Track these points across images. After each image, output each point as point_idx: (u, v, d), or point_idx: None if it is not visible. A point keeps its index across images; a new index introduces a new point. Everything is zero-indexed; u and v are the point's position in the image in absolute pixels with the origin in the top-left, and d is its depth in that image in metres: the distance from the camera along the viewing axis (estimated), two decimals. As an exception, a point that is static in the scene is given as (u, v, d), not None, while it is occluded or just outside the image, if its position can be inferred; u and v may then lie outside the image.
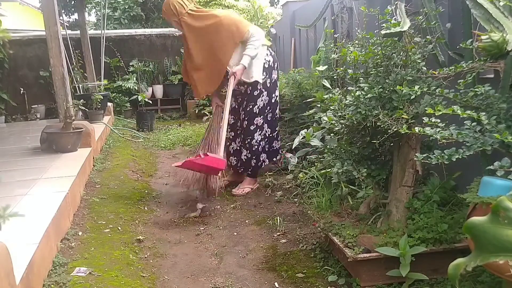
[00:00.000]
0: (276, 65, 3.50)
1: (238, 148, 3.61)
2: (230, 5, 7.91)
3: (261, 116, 3.46)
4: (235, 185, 3.61)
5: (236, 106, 3.54)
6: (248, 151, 3.51)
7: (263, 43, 3.32)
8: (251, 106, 3.42)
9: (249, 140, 3.48)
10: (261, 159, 3.54)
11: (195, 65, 3.41)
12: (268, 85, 3.42)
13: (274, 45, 7.58)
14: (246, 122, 3.46)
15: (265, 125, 3.50)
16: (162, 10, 3.42)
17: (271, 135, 3.56)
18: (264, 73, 3.36)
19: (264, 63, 3.37)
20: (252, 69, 3.30)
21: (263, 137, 3.50)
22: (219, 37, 3.26)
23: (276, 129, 3.61)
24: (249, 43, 3.22)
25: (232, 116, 3.56)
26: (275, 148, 3.61)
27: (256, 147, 3.48)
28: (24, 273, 1.69)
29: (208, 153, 3.19)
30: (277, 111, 3.59)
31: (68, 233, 2.51)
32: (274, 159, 3.64)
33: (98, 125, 5.35)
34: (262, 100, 3.42)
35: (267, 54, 3.41)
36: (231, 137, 3.62)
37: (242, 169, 3.61)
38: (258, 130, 3.46)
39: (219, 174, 3.24)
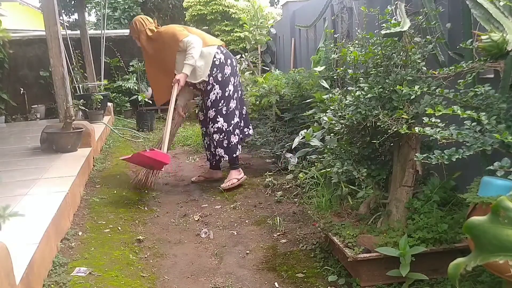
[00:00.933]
0: (229, 61, 3.68)
1: (208, 142, 3.81)
2: (230, 5, 7.90)
3: (213, 109, 3.62)
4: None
5: (203, 104, 3.79)
6: (208, 139, 3.79)
7: (200, 49, 3.56)
8: (206, 100, 3.67)
9: (205, 129, 3.82)
10: (217, 153, 3.65)
11: (150, 77, 3.92)
12: (220, 79, 3.61)
13: (274, 45, 7.59)
14: (202, 115, 3.82)
15: (220, 119, 3.62)
16: (129, 28, 3.81)
17: (228, 129, 3.63)
18: (215, 69, 3.60)
19: (215, 61, 3.60)
20: (197, 72, 3.60)
21: (216, 129, 3.61)
22: (163, 52, 3.65)
23: (232, 122, 3.67)
24: (187, 52, 3.50)
25: (202, 113, 3.83)
26: (233, 143, 3.66)
27: (211, 136, 3.70)
28: (24, 273, 1.69)
29: (154, 148, 3.55)
30: (232, 105, 3.69)
31: (68, 233, 2.51)
32: (234, 155, 3.68)
33: (98, 125, 5.35)
34: (214, 94, 3.61)
35: (217, 53, 3.64)
36: (203, 132, 3.89)
37: (214, 162, 3.86)
38: (211, 122, 3.63)
39: (162, 169, 3.64)
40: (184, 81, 3.54)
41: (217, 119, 3.63)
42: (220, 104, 3.63)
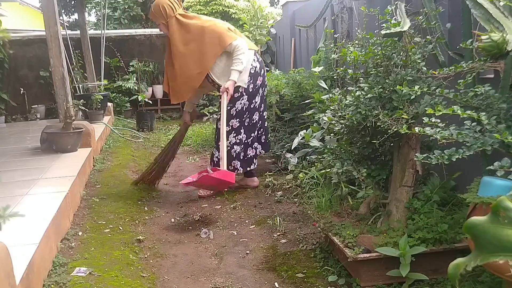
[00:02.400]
0: (262, 72, 3.48)
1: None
2: (230, 5, 7.90)
3: (237, 119, 3.41)
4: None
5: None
6: (219, 152, 3.35)
7: (247, 55, 3.31)
8: (229, 108, 3.35)
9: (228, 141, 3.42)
10: (233, 165, 3.43)
11: (173, 71, 3.43)
12: (251, 90, 3.40)
13: (274, 45, 7.59)
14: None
15: (242, 130, 3.44)
16: (151, 11, 3.40)
17: (246, 141, 3.47)
18: (249, 78, 3.37)
19: (251, 69, 3.38)
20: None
21: (238, 141, 3.43)
22: (200, 46, 3.29)
23: (252, 135, 3.51)
24: (235, 57, 3.23)
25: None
26: (249, 156, 3.51)
27: (228, 149, 3.35)
28: (24, 273, 1.69)
29: (217, 168, 3.15)
30: (255, 117, 3.49)
31: (68, 233, 2.51)
32: (249, 168, 3.52)
33: (98, 125, 5.35)
34: (241, 103, 3.38)
35: (254, 60, 3.41)
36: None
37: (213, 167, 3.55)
38: (233, 132, 3.42)
39: (226, 189, 3.36)
40: (233, 89, 3.26)
41: (240, 130, 3.43)
42: (244, 116, 3.43)
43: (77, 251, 2.33)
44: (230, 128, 3.39)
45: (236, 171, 3.44)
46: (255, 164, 3.58)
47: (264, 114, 3.65)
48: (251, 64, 3.37)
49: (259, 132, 3.60)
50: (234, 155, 3.43)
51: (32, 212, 2.37)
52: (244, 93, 3.37)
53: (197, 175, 3.17)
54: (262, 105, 3.56)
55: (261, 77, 3.46)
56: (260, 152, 3.67)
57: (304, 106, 3.88)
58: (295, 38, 6.14)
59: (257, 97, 3.45)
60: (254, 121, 3.49)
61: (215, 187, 3.28)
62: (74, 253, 2.30)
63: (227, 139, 3.34)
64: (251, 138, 3.50)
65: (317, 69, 3.67)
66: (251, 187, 3.60)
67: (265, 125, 3.69)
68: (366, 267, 1.98)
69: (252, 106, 3.43)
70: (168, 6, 3.30)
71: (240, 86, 3.32)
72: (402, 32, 2.14)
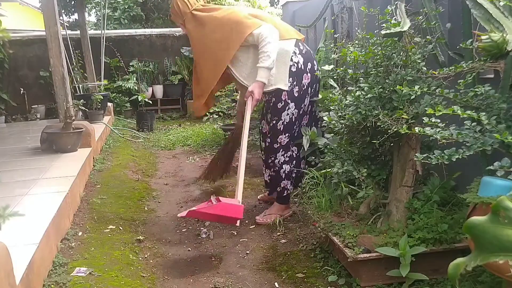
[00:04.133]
0: (309, 66, 2.79)
1: (263, 163, 2.99)
2: (230, 5, 7.91)
3: (287, 134, 2.79)
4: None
5: (265, 120, 2.89)
6: (272, 171, 2.92)
7: (277, 44, 2.64)
8: (274, 122, 2.77)
9: (272, 158, 2.88)
10: (282, 185, 2.90)
11: (196, 76, 2.96)
12: (296, 94, 2.73)
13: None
14: (269, 139, 2.85)
15: (291, 144, 2.85)
16: (171, 13, 3.03)
17: (298, 154, 2.91)
18: (291, 79, 2.70)
19: (291, 67, 2.70)
20: (271, 74, 2.66)
21: (288, 159, 2.85)
22: (215, 43, 2.73)
23: (302, 145, 2.90)
24: (260, 50, 2.59)
25: (266, 123, 2.88)
26: (301, 172, 2.90)
27: (277, 169, 2.87)
28: (24, 273, 1.69)
29: (220, 198, 2.55)
30: (304, 122, 2.90)
31: (68, 233, 2.51)
32: (300, 184, 2.89)
33: (98, 125, 5.35)
34: (288, 114, 2.75)
35: (295, 53, 2.73)
36: (263, 147, 2.97)
37: (268, 191, 3.09)
38: (282, 150, 2.83)
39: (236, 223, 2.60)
40: (261, 93, 2.63)
41: (289, 146, 2.83)
42: (294, 127, 2.81)
43: (77, 251, 2.33)
44: (278, 145, 2.83)
45: (285, 191, 2.91)
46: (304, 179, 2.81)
47: (313, 109, 2.95)
48: (291, 60, 2.70)
49: (309, 137, 2.89)
50: (284, 176, 2.88)
51: (32, 212, 2.36)
52: (289, 100, 2.72)
53: (203, 204, 2.61)
54: (311, 106, 2.92)
55: (308, 74, 2.78)
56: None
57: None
58: (295, 38, 6.12)
59: (306, 99, 2.81)
60: (303, 125, 2.91)
61: (220, 221, 2.73)
62: (74, 253, 2.30)
63: (276, 158, 2.84)
64: (302, 148, 2.89)
65: (327, 68, 3.63)
66: (284, 216, 2.92)
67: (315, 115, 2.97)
68: (366, 267, 1.98)
69: (301, 112, 2.81)
70: (182, 2, 2.84)
71: (281, 91, 2.70)
72: (402, 32, 2.14)
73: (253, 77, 2.66)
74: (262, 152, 2.97)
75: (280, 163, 2.86)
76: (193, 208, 2.47)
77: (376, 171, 2.33)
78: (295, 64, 2.72)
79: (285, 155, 2.85)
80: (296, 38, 2.81)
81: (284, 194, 2.93)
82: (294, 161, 2.89)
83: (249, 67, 2.72)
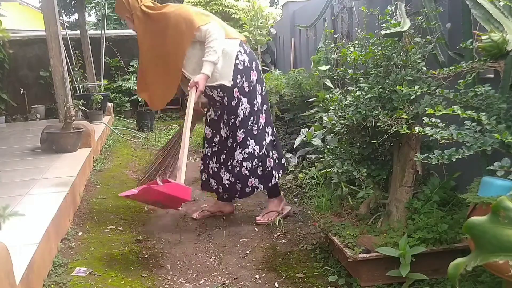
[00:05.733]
0: (254, 64, 2.84)
1: (216, 169, 2.95)
2: (230, 5, 7.90)
3: (242, 130, 2.79)
4: (220, 217, 3.02)
5: (216, 118, 2.91)
6: (230, 174, 2.86)
7: (223, 42, 2.69)
8: (232, 120, 2.80)
9: (230, 160, 2.86)
10: (249, 184, 2.83)
11: (147, 75, 2.90)
12: (247, 89, 2.77)
13: (274, 45, 7.59)
14: (230, 139, 2.86)
15: (251, 141, 2.81)
16: (115, 5, 2.94)
17: (260, 153, 2.84)
18: (239, 76, 2.74)
19: (238, 64, 2.74)
20: (216, 70, 2.69)
21: (247, 156, 2.80)
22: (168, 39, 2.72)
23: (264, 143, 2.87)
24: (206, 45, 2.63)
25: (210, 129, 2.96)
26: (269, 168, 2.87)
27: (238, 169, 2.81)
28: (24, 273, 1.69)
29: (169, 179, 2.62)
30: (262, 120, 2.87)
31: (68, 233, 2.51)
32: (270, 184, 2.89)
33: (98, 125, 5.35)
34: (242, 110, 2.77)
35: (240, 53, 2.76)
36: (209, 154, 2.98)
37: (226, 195, 3.01)
38: (239, 147, 2.81)
39: (179, 208, 2.70)
40: (204, 85, 2.66)
41: (247, 142, 2.81)
42: (249, 123, 2.80)
43: (77, 251, 2.33)
44: (235, 143, 2.83)
45: (256, 190, 2.87)
46: (278, 176, 2.93)
47: (270, 119, 2.98)
48: (238, 58, 2.74)
49: (273, 138, 2.96)
50: (248, 173, 2.82)
51: (32, 212, 2.37)
52: (241, 96, 2.76)
53: (145, 186, 2.57)
54: (267, 103, 2.96)
55: (254, 71, 2.83)
56: (279, 162, 2.96)
57: (304, 106, 3.88)
58: (295, 38, 6.14)
59: (257, 96, 2.84)
60: (262, 125, 2.87)
61: (163, 204, 2.64)
62: (74, 253, 2.30)
63: (234, 158, 2.83)
64: (264, 146, 2.86)
65: (323, 68, 3.63)
66: (284, 212, 2.94)
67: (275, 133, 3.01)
68: (366, 267, 1.98)
69: (255, 109, 2.82)
70: None
71: (232, 89, 2.74)
72: (402, 32, 2.14)
73: (198, 72, 2.68)
74: (209, 157, 2.98)
75: (238, 162, 2.82)
76: (134, 192, 2.46)
77: (376, 171, 2.33)
78: (242, 62, 2.77)
79: (243, 152, 2.81)
80: (240, 39, 2.87)
81: (248, 193, 2.89)
82: (256, 159, 2.83)
83: (195, 62, 2.73)
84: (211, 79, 2.69)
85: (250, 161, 2.82)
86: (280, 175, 2.98)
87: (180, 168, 2.52)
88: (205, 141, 3.00)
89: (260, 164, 2.85)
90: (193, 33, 2.65)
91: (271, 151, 2.91)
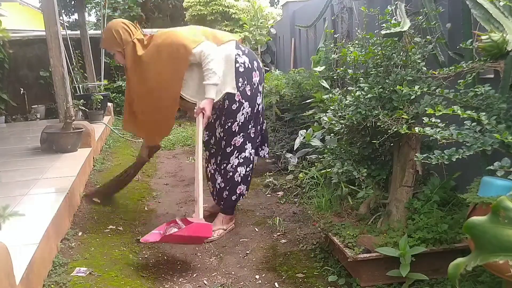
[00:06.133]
0: (256, 64, 2.75)
1: (213, 171, 2.88)
2: (230, 5, 7.90)
3: (241, 134, 2.72)
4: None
5: (212, 120, 2.79)
6: (222, 179, 2.79)
7: (219, 59, 2.58)
8: (229, 124, 2.69)
9: (224, 165, 2.76)
10: (238, 191, 2.77)
11: (138, 112, 2.74)
12: (249, 93, 2.68)
13: (274, 45, 7.59)
14: (223, 142, 2.75)
15: (248, 145, 2.75)
16: (102, 38, 2.79)
17: (252, 156, 2.81)
18: (241, 80, 2.65)
19: (238, 67, 2.64)
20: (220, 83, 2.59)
21: (242, 160, 2.74)
22: (163, 69, 2.57)
23: (256, 145, 2.88)
24: (204, 68, 2.53)
25: (207, 132, 2.88)
26: (251, 174, 2.84)
27: (231, 174, 2.74)
28: (24, 273, 1.69)
29: (188, 218, 2.50)
30: (258, 121, 2.83)
31: (68, 233, 2.51)
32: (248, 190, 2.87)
33: (98, 125, 5.35)
34: (243, 114, 2.68)
35: (238, 55, 2.67)
36: (206, 156, 2.94)
37: (216, 199, 2.92)
38: (236, 152, 2.73)
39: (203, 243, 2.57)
40: (211, 109, 2.56)
41: (245, 147, 2.74)
42: (249, 127, 2.73)
43: (77, 251, 2.33)
44: (231, 148, 2.73)
45: (242, 197, 2.84)
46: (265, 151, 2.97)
47: (263, 112, 2.94)
48: (237, 61, 2.65)
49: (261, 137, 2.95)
50: (240, 180, 2.75)
51: (32, 212, 2.37)
52: (243, 100, 2.66)
53: (164, 226, 2.51)
54: (261, 106, 2.87)
55: (257, 72, 2.74)
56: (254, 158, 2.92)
57: (304, 106, 3.88)
58: (295, 38, 6.14)
59: (258, 98, 2.76)
60: (258, 127, 2.87)
61: (185, 242, 2.54)
62: (74, 253, 2.30)
63: (229, 163, 2.74)
64: (255, 149, 2.86)
65: (319, 69, 3.65)
66: (228, 229, 2.81)
67: (264, 126, 3.00)
68: (366, 267, 1.98)
69: (255, 111, 2.76)
70: (124, 30, 2.64)
71: (234, 94, 2.65)
72: (402, 32, 2.14)
73: (201, 93, 2.59)
74: (206, 160, 2.94)
75: (233, 166, 2.74)
76: (156, 232, 2.44)
77: (376, 171, 2.33)
78: (242, 65, 2.67)
79: (239, 157, 2.73)
80: (234, 40, 2.75)
81: (232, 202, 2.80)
82: (251, 164, 2.79)
83: (195, 84, 2.62)
84: (217, 93, 2.60)
85: (245, 166, 2.75)
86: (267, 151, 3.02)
87: (197, 202, 2.43)
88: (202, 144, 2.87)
89: (251, 170, 2.82)
90: (188, 58, 2.54)
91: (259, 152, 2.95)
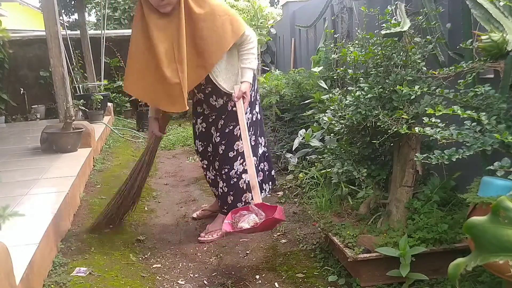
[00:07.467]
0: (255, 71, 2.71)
1: (214, 177, 2.82)
2: (230, 5, 7.90)
3: (241, 141, 2.58)
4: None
5: (204, 130, 2.73)
6: (224, 183, 2.67)
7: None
8: (231, 127, 2.59)
9: (226, 170, 2.64)
10: (243, 199, 2.66)
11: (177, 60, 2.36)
12: (252, 98, 2.62)
13: (274, 45, 7.59)
14: (223, 146, 2.62)
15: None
16: None
17: (255, 163, 2.67)
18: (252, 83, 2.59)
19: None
20: (234, 74, 2.52)
21: (247, 168, 2.53)
22: (209, 33, 2.36)
23: (259, 154, 2.78)
24: (247, 51, 2.47)
25: (200, 143, 2.79)
26: (259, 182, 2.64)
27: (235, 180, 2.63)
28: (24, 273, 1.69)
29: (258, 203, 2.34)
30: (258, 131, 2.77)
31: (68, 233, 2.51)
32: (262, 195, 2.69)
33: (98, 125, 5.35)
34: (246, 118, 2.56)
35: None
36: (204, 166, 2.85)
37: (219, 204, 2.80)
38: (240, 158, 2.62)
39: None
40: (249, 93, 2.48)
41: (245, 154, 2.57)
42: (249, 134, 2.61)
43: (77, 251, 2.33)
44: (234, 153, 2.62)
45: (245, 204, 2.67)
46: (265, 190, 2.81)
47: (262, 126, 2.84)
48: None
49: (265, 150, 2.87)
50: (245, 187, 2.64)
51: (32, 212, 2.37)
52: (248, 105, 2.57)
53: (230, 216, 2.32)
54: (260, 115, 2.81)
55: (255, 80, 2.72)
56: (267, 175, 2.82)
57: (304, 106, 3.88)
58: (295, 38, 6.14)
59: (257, 106, 2.72)
60: (257, 136, 2.78)
61: (260, 229, 2.38)
62: (74, 253, 2.30)
63: (232, 168, 2.62)
64: (258, 158, 2.77)
65: (317, 69, 3.65)
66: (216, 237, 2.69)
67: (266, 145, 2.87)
68: (366, 267, 1.98)
69: (254, 119, 2.70)
70: None
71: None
72: (402, 32, 2.14)
73: (229, 79, 2.50)
74: (205, 169, 2.85)
75: (238, 173, 2.62)
76: (230, 224, 2.28)
77: (376, 171, 2.33)
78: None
79: (244, 164, 2.59)
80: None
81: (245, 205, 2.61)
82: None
83: (223, 68, 2.49)
84: (229, 85, 2.49)
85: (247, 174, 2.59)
86: (270, 187, 2.87)
87: (254, 187, 2.32)
88: (198, 155, 2.86)
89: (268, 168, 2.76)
90: (238, 35, 2.40)
91: (262, 163, 2.81)
